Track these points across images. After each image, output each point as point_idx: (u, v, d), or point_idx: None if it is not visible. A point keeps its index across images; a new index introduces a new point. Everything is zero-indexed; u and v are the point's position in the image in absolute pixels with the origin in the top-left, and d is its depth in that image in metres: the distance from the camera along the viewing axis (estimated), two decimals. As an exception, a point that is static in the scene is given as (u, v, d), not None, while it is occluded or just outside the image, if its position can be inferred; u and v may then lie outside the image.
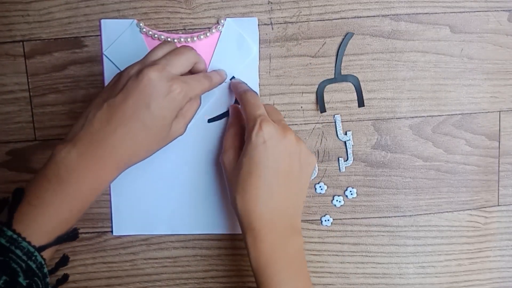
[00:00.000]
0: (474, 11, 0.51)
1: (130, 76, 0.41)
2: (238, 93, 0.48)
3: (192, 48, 0.45)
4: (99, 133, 0.40)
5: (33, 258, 0.38)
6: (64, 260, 0.45)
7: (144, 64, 0.42)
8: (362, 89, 0.51)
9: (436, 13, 0.50)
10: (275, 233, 0.42)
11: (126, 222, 0.52)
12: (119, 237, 0.53)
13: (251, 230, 0.42)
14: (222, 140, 0.50)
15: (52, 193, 0.39)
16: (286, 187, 0.44)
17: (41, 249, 0.38)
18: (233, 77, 0.50)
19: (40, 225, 0.38)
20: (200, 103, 0.46)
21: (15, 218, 0.38)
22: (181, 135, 0.45)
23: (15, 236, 0.37)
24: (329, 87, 0.51)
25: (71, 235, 0.41)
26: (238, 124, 0.49)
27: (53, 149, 0.40)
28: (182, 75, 0.44)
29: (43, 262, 0.38)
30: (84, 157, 0.40)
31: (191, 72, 0.46)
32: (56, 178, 0.39)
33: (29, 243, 0.37)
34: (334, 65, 0.51)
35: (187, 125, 0.45)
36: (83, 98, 0.51)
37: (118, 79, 0.42)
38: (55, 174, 0.39)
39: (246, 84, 0.50)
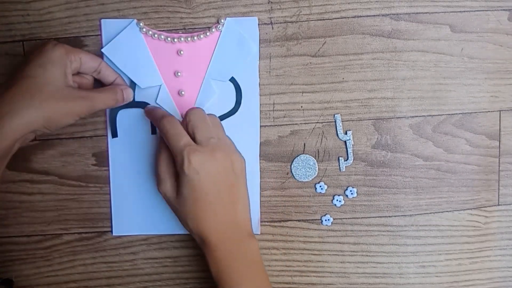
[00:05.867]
0: (474, 11, 0.51)
1: None
2: (156, 122, 0.48)
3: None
4: None
5: None
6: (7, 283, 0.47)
7: None
8: (362, 88, 0.51)
9: (436, 12, 0.50)
10: (228, 242, 0.45)
11: (126, 222, 0.52)
12: (119, 236, 0.53)
13: (206, 244, 0.45)
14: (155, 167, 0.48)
15: None
16: (230, 200, 0.46)
17: None
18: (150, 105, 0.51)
19: None
20: (119, 102, 0.48)
21: None
22: (85, 111, 0.46)
23: None
24: (330, 86, 0.51)
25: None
26: (168, 148, 0.46)
27: None
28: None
29: None
30: None
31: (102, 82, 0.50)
32: None
33: None
34: (334, 64, 0.51)
35: (95, 106, 0.46)
36: (83, 97, 0.51)
37: None
38: None
39: (160, 108, 0.50)
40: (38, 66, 0.44)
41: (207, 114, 0.48)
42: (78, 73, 0.48)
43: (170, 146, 0.45)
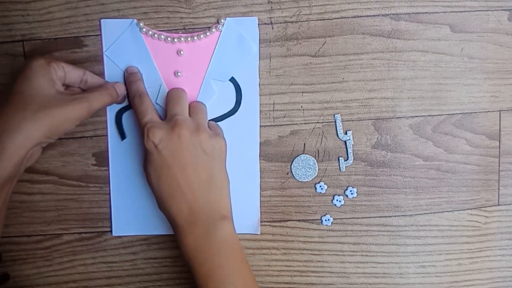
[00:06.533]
0: (474, 11, 0.51)
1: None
2: (130, 98, 0.49)
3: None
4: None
5: None
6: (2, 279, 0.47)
7: None
8: (362, 88, 0.51)
9: (436, 12, 0.50)
10: (198, 225, 0.44)
11: (126, 222, 0.52)
12: (119, 236, 0.53)
13: (176, 227, 0.44)
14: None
15: None
16: (197, 179, 0.45)
17: None
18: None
19: None
20: (114, 100, 0.48)
21: None
22: (83, 113, 0.45)
23: None
24: (330, 86, 0.51)
25: None
26: None
27: None
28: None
29: None
30: None
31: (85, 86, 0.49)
32: None
33: None
34: (334, 64, 0.51)
35: (92, 106, 0.46)
36: (83, 97, 0.51)
37: None
38: None
39: (139, 75, 0.50)
40: (23, 80, 0.43)
41: (195, 101, 0.50)
42: (66, 87, 0.48)
43: (138, 122, 0.47)
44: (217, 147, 0.46)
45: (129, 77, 0.50)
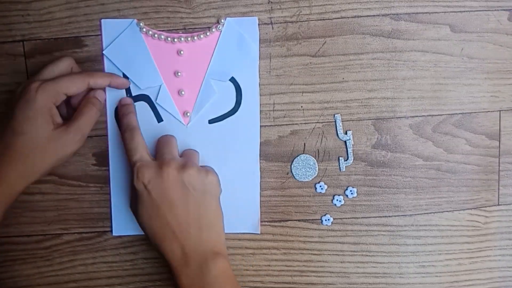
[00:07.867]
0: (474, 11, 0.51)
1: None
2: (121, 131, 0.48)
3: (69, 58, 0.48)
4: None
5: None
6: None
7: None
8: (362, 88, 0.51)
9: (436, 12, 0.50)
10: (191, 266, 0.43)
11: (126, 222, 0.52)
12: (119, 236, 0.53)
13: (170, 266, 0.44)
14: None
15: None
16: (187, 218, 0.44)
17: None
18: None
19: None
20: (100, 108, 0.48)
21: None
22: (80, 143, 0.46)
23: None
24: (330, 86, 0.51)
25: None
26: None
27: None
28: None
29: None
30: None
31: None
32: None
33: None
34: (334, 64, 0.51)
35: (85, 132, 0.46)
36: (83, 97, 0.51)
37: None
38: None
39: (131, 108, 0.49)
40: (26, 121, 0.43)
41: (189, 149, 0.50)
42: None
43: (127, 158, 0.46)
44: (208, 183, 0.45)
45: (122, 109, 0.49)
